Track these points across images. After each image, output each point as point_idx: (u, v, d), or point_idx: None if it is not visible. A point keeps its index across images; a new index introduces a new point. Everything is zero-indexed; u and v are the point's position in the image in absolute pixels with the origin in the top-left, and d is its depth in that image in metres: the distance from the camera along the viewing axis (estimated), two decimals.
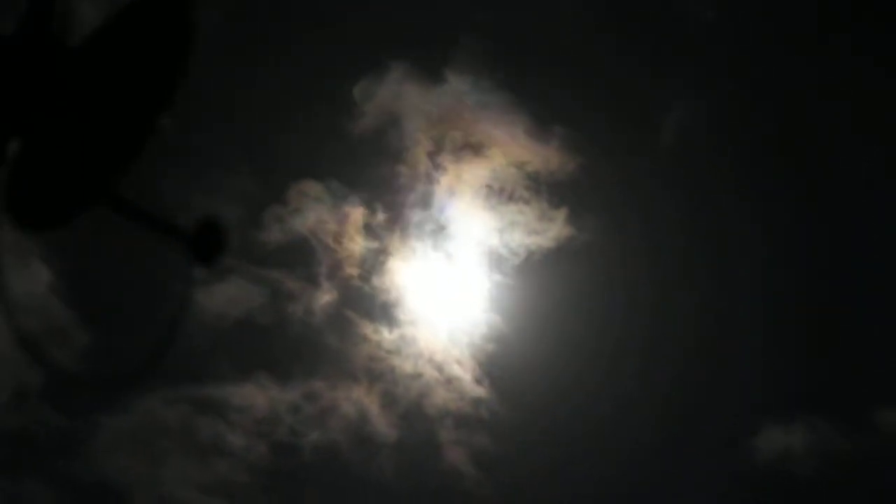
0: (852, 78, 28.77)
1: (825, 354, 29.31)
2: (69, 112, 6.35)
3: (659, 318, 29.76)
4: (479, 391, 28.87)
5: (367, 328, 29.09)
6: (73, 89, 6.36)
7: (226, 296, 27.28)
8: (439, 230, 29.85)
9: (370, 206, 29.61)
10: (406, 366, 28.94)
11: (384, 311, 29.35)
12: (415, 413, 28.89)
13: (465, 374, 29.00)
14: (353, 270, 29.29)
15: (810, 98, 29.61)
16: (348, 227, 29.61)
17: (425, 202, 29.73)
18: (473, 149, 30.16)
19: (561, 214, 29.72)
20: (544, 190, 29.83)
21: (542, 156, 29.88)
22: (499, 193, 30.03)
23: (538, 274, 29.97)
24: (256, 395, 27.88)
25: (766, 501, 28.34)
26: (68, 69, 6.40)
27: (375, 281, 29.22)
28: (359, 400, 28.52)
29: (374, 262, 29.47)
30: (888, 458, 27.65)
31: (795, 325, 29.52)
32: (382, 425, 28.40)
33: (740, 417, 28.85)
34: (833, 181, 29.91)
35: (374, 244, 29.55)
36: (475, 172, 30.10)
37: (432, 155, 29.90)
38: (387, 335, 29.04)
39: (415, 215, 29.89)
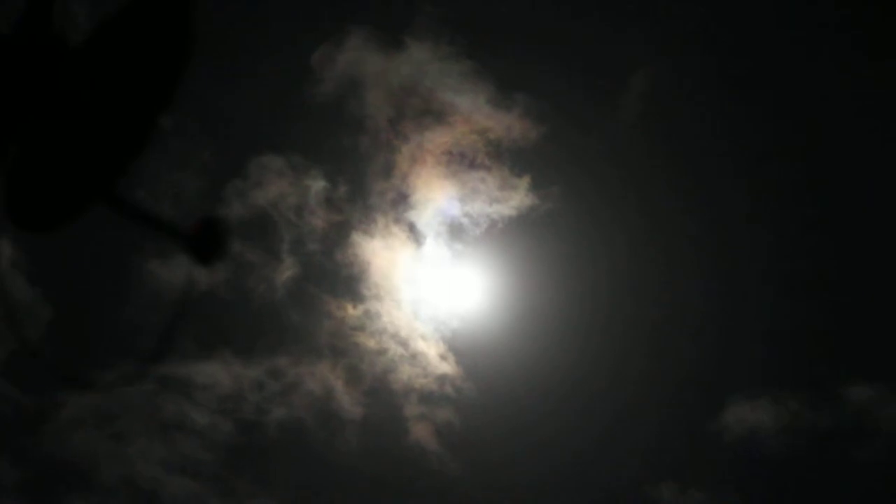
0: (820, 39, 28.90)
1: (793, 330, 29.51)
2: (69, 112, 6.38)
3: (624, 289, 29.81)
4: (445, 367, 28.94)
5: (331, 304, 29.09)
6: (73, 89, 6.39)
7: (185, 269, 27.10)
8: (401, 199, 29.79)
9: (332, 179, 29.52)
10: (370, 342, 28.98)
11: (348, 287, 29.33)
12: (380, 389, 28.95)
13: (429, 349, 29.05)
14: (315, 245, 29.23)
15: (777, 65, 29.71)
16: (310, 200, 29.52)
17: (387, 171, 29.65)
18: (435, 117, 30.06)
19: (524, 183, 29.68)
20: (507, 158, 29.79)
21: (505, 124, 29.83)
22: (460, 161, 29.97)
23: (501, 243, 29.94)
24: (220, 373, 27.87)
25: (734, 476, 28.50)
26: (68, 69, 6.42)
27: (338, 255, 29.16)
28: (323, 376, 28.53)
29: (337, 236, 29.40)
30: (857, 433, 27.91)
31: (763, 300, 29.67)
32: (347, 402, 28.45)
33: (708, 392, 29.01)
34: (801, 151, 30.05)
35: (337, 217, 29.46)
36: (437, 141, 30.02)
37: (393, 123, 29.79)
38: (351, 311, 29.05)
39: (377, 185, 29.83)
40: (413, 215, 29.52)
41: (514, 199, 29.63)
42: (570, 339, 29.50)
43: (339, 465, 28.09)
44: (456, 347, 29.24)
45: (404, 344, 28.66)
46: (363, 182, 29.67)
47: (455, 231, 29.50)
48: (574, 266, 29.76)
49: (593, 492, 28.75)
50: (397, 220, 29.44)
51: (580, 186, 30.13)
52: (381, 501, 28.75)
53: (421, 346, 28.95)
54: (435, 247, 29.72)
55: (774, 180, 30.00)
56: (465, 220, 29.61)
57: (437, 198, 29.83)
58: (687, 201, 30.07)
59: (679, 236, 30.07)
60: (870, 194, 29.17)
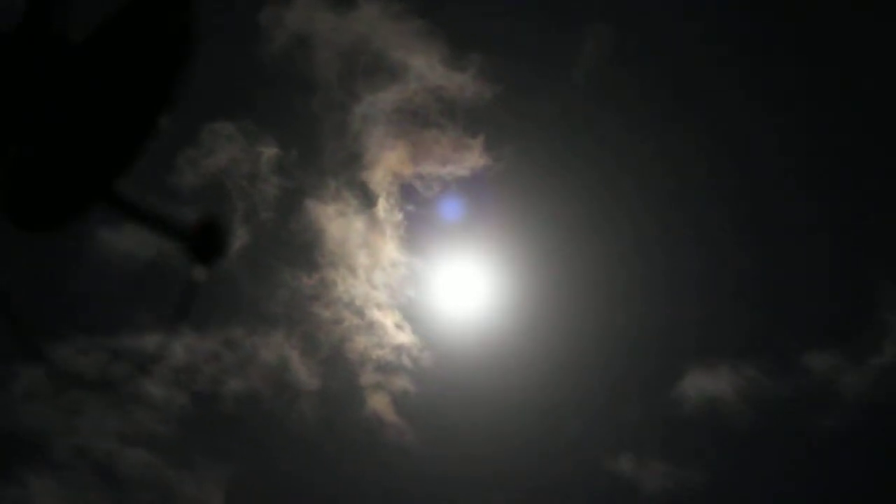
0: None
1: (752, 297, 29.84)
2: (69, 111, 6.48)
3: (579, 255, 29.96)
4: (402, 336, 29.07)
5: (286, 273, 29.15)
6: (74, 89, 6.49)
7: (136, 238, 27.08)
8: (353, 161, 29.76)
9: (284, 144, 29.49)
10: (326, 312, 29.05)
11: (302, 255, 29.36)
12: (336, 360, 29.07)
13: (385, 318, 29.16)
14: (268, 213, 29.23)
15: (730, 28, 29.92)
16: (262, 167, 29.50)
17: (339, 134, 29.62)
18: (388, 76, 30.01)
19: (477, 143, 29.75)
20: (460, 118, 29.81)
21: (459, 83, 29.86)
22: (413, 121, 29.97)
23: (454, 205, 29.97)
24: (175, 345, 27.88)
25: (694, 446, 28.80)
26: (69, 68, 6.51)
27: (293, 223, 29.16)
28: (279, 347, 28.62)
29: (291, 204, 29.38)
30: (817, 400, 28.30)
31: (721, 267, 29.95)
32: (303, 373, 28.58)
33: (666, 362, 29.31)
34: (760, 108, 30.33)
35: (290, 184, 29.45)
36: (390, 100, 29.98)
37: (345, 83, 29.71)
38: (306, 280, 29.13)
39: (329, 148, 29.80)
40: (365, 177, 29.51)
41: (468, 159, 29.69)
42: (527, 308, 29.65)
43: (296, 436, 28.25)
44: (412, 316, 29.37)
45: (360, 313, 28.76)
46: (315, 146, 29.67)
47: (408, 192, 29.51)
48: (529, 229, 29.84)
49: (552, 463, 29.03)
50: (350, 185, 29.47)
51: (534, 146, 30.21)
52: (339, 471, 28.94)
53: (377, 315, 29.07)
54: (388, 210, 29.71)
55: (732, 140, 30.25)
56: (417, 182, 29.62)
57: (390, 159, 29.83)
58: (643, 165, 30.27)
59: (636, 200, 30.22)
60: (830, 160, 29.53)
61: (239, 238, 28.38)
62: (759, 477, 28.53)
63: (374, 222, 29.75)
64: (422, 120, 29.93)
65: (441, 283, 29.82)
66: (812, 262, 29.90)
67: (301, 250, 29.38)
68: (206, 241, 6.64)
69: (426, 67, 29.87)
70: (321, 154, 29.75)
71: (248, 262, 28.88)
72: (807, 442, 28.23)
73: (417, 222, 29.97)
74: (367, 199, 29.79)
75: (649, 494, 28.18)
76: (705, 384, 28.34)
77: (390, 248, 29.95)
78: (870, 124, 29.34)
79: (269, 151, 29.46)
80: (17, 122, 6.54)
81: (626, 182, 30.26)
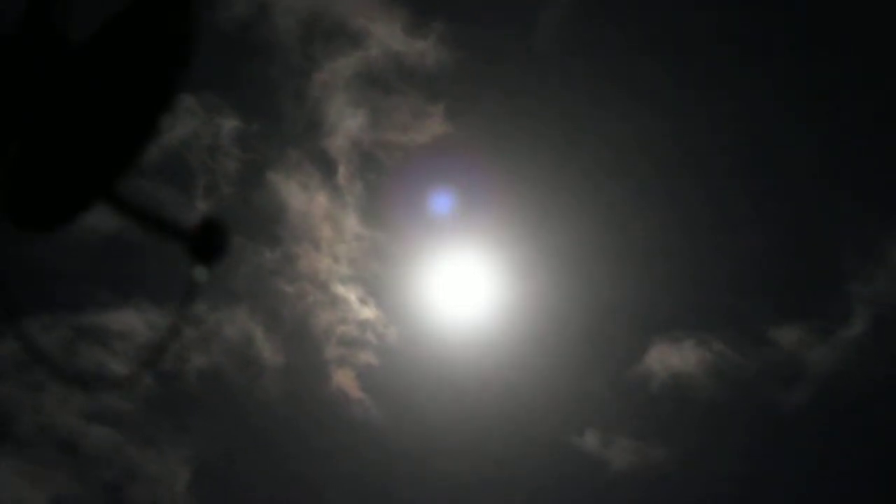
0: None
1: (718, 271, 30.04)
2: (69, 111, 6.57)
3: (542, 227, 30.01)
4: (366, 312, 29.17)
5: (248, 247, 29.14)
6: (74, 89, 6.58)
7: (95, 212, 26.70)
8: (314, 129, 29.66)
9: (244, 116, 29.42)
10: (289, 287, 29.07)
11: (264, 229, 29.35)
12: (300, 335, 29.12)
13: (349, 293, 29.24)
14: (230, 187, 29.20)
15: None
16: (223, 139, 29.44)
17: (299, 100, 29.52)
18: (348, 42, 29.92)
19: (438, 110, 29.73)
20: (422, 85, 29.76)
21: (420, 50, 29.83)
22: (373, 88, 29.88)
23: (415, 173, 29.97)
24: (137, 321, 27.88)
25: (659, 422, 29.03)
26: (69, 68, 6.60)
27: (255, 197, 29.14)
28: (242, 322, 28.66)
29: (252, 176, 29.36)
30: (784, 376, 28.61)
31: (687, 240, 30.11)
32: (267, 349, 28.65)
33: (634, 336, 29.46)
34: (717, 89, 30.49)
35: (251, 156, 29.41)
36: (350, 67, 29.90)
37: (305, 48, 29.61)
38: (268, 255, 29.13)
39: (289, 115, 29.70)
40: (326, 146, 29.45)
41: (429, 127, 29.69)
42: (492, 283, 29.71)
43: (261, 413, 28.35)
44: (376, 290, 29.44)
45: (324, 288, 28.85)
46: (275, 115, 29.60)
47: (369, 161, 29.49)
48: (492, 200, 29.81)
49: (517, 439, 29.20)
50: (311, 155, 29.45)
51: (496, 114, 30.20)
52: (304, 448, 29.07)
53: (341, 290, 29.14)
54: (349, 180, 29.68)
55: (696, 112, 30.38)
56: (378, 150, 29.60)
57: (350, 128, 29.77)
58: (609, 133, 30.32)
59: (602, 170, 30.28)
60: (795, 140, 29.76)
61: (200, 212, 28.31)
62: (727, 452, 28.83)
63: (336, 194, 29.74)
64: (382, 87, 29.85)
65: (405, 256, 29.85)
66: (778, 236, 30.11)
67: (263, 224, 29.37)
68: (207, 242, 6.74)
69: (387, 34, 29.81)
70: (282, 124, 29.74)
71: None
72: (774, 416, 28.53)
73: (379, 193, 29.97)
74: (328, 170, 29.76)
75: (617, 470, 28.40)
76: (671, 359, 28.54)
77: (353, 222, 30.00)
78: (840, 97, 29.58)
79: (230, 123, 29.39)
80: (17, 122, 6.62)
81: (591, 151, 30.32)
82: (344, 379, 28.95)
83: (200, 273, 6.89)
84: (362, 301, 29.17)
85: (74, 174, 6.62)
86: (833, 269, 29.50)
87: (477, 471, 28.70)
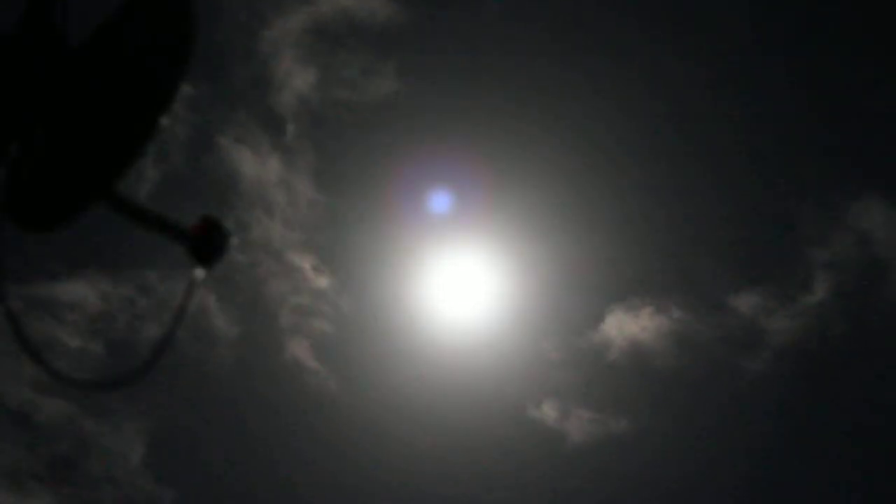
0: None
1: (677, 238, 30.21)
2: (69, 112, 6.71)
3: (497, 187, 29.91)
4: (321, 280, 29.21)
5: (198, 214, 28.93)
6: (74, 89, 6.72)
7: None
8: (263, 89, 29.49)
9: (191, 77, 29.18)
10: (242, 255, 29.05)
11: (216, 196, 29.26)
12: (254, 304, 29.16)
13: (303, 261, 29.26)
14: (180, 154, 29.08)
15: None
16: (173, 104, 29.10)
17: (247, 59, 29.34)
18: None
19: (390, 67, 29.63)
20: (372, 41, 29.61)
21: (370, 6, 29.66)
22: (323, 45, 29.69)
23: (367, 134, 29.89)
24: (88, 292, 27.86)
25: (619, 391, 29.21)
26: (69, 68, 6.74)
27: (204, 161, 29.04)
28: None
29: (200, 140, 29.20)
30: (744, 341, 28.87)
31: (645, 206, 30.19)
32: (221, 319, 28.70)
33: (590, 304, 29.56)
34: (675, 54, 30.65)
35: (201, 120, 29.27)
36: (298, 21, 29.69)
37: (253, 6, 29.39)
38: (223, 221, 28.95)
39: (238, 76, 29.52)
40: (276, 107, 29.29)
41: (380, 84, 29.59)
42: (446, 250, 29.63)
43: (215, 384, 28.45)
44: (331, 258, 29.45)
45: (277, 256, 28.92)
46: (224, 76, 29.44)
47: (321, 122, 29.33)
48: (444, 158, 29.71)
49: (475, 410, 29.34)
50: (262, 119, 29.33)
51: (448, 71, 30.09)
52: (259, 419, 29.21)
53: (294, 258, 29.14)
54: (300, 142, 29.52)
55: (653, 76, 30.47)
56: (328, 109, 29.43)
57: (300, 86, 29.59)
58: (564, 90, 30.26)
59: (557, 128, 30.20)
60: (753, 105, 30.02)
61: (147, 179, 28.23)
62: (687, 421, 29.14)
63: (288, 158, 29.68)
64: (332, 44, 29.68)
65: (359, 222, 29.82)
66: (737, 201, 30.33)
67: (214, 191, 29.30)
68: (206, 242, 6.91)
69: None
70: (230, 85, 29.60)
71: (157, 204, 28.68)
72: (734, 384, 28.84)
73: (332, 155, 29.90)
74: (279, 132, 29.68)
75: (576, 442, 28.63)
76: (629, 327, 28.69)
77: (306, 187, 29.94)
78: (799, 59, 29.88)
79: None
80: (17, 122, 6.76)
81: (547, 109, 30.28)
82: (298, 349, 29.08)
83: (199, 273, 7.08)
84: (316, 269, 29.23)
85: (74, 174, 6.76)
86: (793, 234, 29.76)
87: (434, 443, 28.88)
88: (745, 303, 29.00)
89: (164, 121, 6.72)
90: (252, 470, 29.22)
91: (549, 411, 28.89)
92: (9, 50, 6.73)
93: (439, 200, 29.39)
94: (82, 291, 27.61)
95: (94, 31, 7.14)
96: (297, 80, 29.24)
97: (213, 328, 28.37)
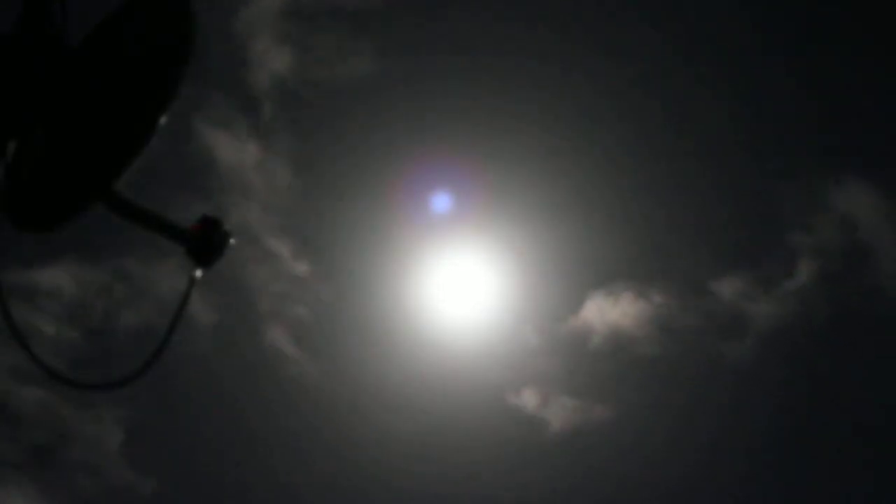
0: None
1: (658, 222, 30.24)
2: (68, 112, 6.76)
3: (478, 171, 29.79)
4: (300, 266, 29.22)
5: (177, 199, 29.02)
6: (74, 88, 6.77)
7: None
8: (239, 71, 29.38)
9: None
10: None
11: (193, 180, 29.20)
12: (232, 291, 29.13)
13: (282, 248, 29.24)
14: (157, 136, 28.81)
15: None
16: None
17: (224, 40, 29.21)
18: None
19: (367, 47, 29.52)
20: (349, 21, 29.50)
21: None
22: (301, 25, 29.59)
23: (343, 116, 29.82)
24: (64, 279, 27.82)
25: (599, 377, 29.25)
26: (69, 68, 6.79)
27: (182, 146, 28.99)
28: (172, 278, 28.64)
29: (178, 124, 29.06)
30: (727, 327, 28.96)
31: (623, 189, 30.19)
32: (198, 304, 28.67)
33: (570, 290, 29.55)
34: (657, 42, 30.71)
35: (178, 103, 29.00)
36: (276, 3, 29.58)
37: None
38: (198, 208, 28.93)
39: (215, 56, 29.40)
40: (253, 87, 29.21)
41: (358, 64, 29.51)
42: (429, 235, 29.61)
43: (193, 371, 28.44)
44: (310, 244, 29.44)
45: (255, 241, 28.88)
46: (201, 57, 29.27)
47: (299, 104, 29.23)
48: (423, 141, 29.62)
49: (455, 398, 29.36)
50: (239, 101, 29.26)
51: (429, 53, 30.00)
52: (237, 406, 29.27)
53: (273, 243, 29.12)
54: (280, 125, 29.44)
55: (634, 59, 30.50)
56: (307, 91, 29.34)
57: (278, 67, 29.49)
58: (546, 75, 30.23)
59: (540, 111, 30.13)
60: (734, 88, 30.12)
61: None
62: (669, 407, 29.28)
63: (266, 142, 29.64)
64: (309, 23, 29.53)
65: (339, 207, 29.78)
66: (718, 185, 30.40)
67: (191, 175, 29.23)
68: (206, 243, 6.98)
69: None
70: (208, 67, 29.49)
71: (135, 189, 28.61)
72: (717, 370, 28.95)
73: (311, 139, 29.85)
74: (257, 115, 29.61)
75: (557, 430, 28.72)
76: (610, 313, 28.70)
77: (284, 171, 29.91)
78: (782, 39, 29.99)
79: None
80: (16, 122, 6.81)
81: (529, 92, 30.26)
82: (277, 336, 29.10)
83: (198, 273, 7.14)
84: (295, 255, 29.24)
85: (73, 174, 6.81)
86: (775, 218, 29.86)
87: (413, 430, 28.94)
88: (728, 288, 29.09)
89: (164, 121, 6.76)
90: (232, 457, 29.30)
91: (529, 399, 28.91)
92: (7, 49, 6.77)
93: (420, 185, 29.36)
94: (59, 278, 27.57)
95: (93, 31, 7.19)
96: (273, 61, 29.17)
97: (190, 315, 28.24)
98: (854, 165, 29.82)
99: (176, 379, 28.16)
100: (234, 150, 29.54)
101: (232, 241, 7.12)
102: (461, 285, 29.29)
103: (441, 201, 29.46)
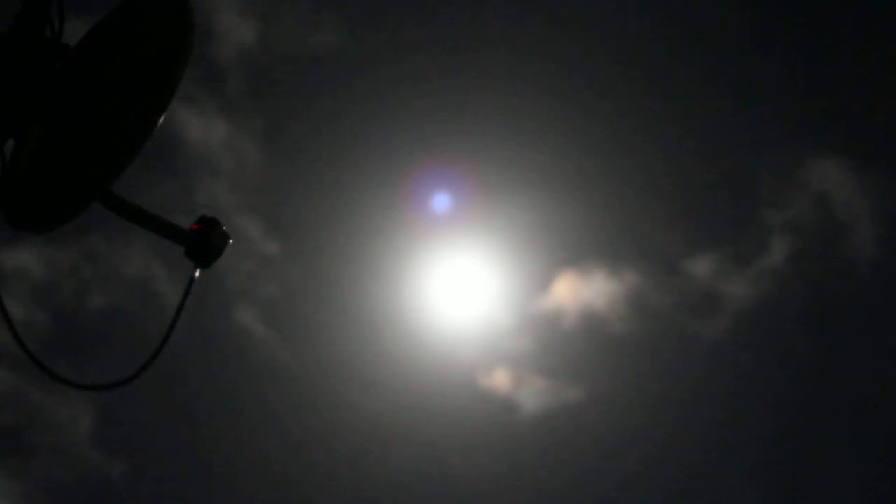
0: None
1: (630, 200, 30.32)
2: (65, 111, 6.81)
3: (447, 148, 29.78)
4: (269, 246, 29.19)
5: (144, 177, 28.86)
6: (71, 88, 6.82)
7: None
8: (205, 43, 29.28)
9: None
10: (189, 219, 28.84)
11: (161, 158, 29.12)
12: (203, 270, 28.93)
13: (251, 226, 29.20)
14: None
15: None
16: None
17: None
18: None
19: (334, 19, 29.41)
20: None
21: None
22: None
23: (312, 91, 29.72)
24: (31, 260, 27.74)
25: (574, 357, 29.34)
26: (66, 68, 6.84)
27: None
28: (141, 259, 28.60)
29: None
30: (700, 306, 29.12)
31: (596, 167, 30.22)
32: (168, 285, 28.64)
33: (541, 268, 29.50)
34: (635, 15, 30.77)
35: None
36: None
37: None
38: (167, 186, 29.01)
39: None
40: (218, 60, 29.09)
41: (327, 36, 29.40)
42: (393, 202, 29.47)
43: (163, 354, 28.28)
44: (280, 223, 29.40)
45: (224, 221, 28.37)
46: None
47: (263, 78, 29.14)
48: (393, 116, 29.52)
49: (425, 378, 29.37)
50: (205, 75, 29.15)
51: (398, 21, 29.89)
52: (207, 386, 29.30)
53: (242, 222, 29.02)
54: (248, 100, 29.33)
55: (607, 33, 30.52)
56: (275, 65, 29.25)
57: (243, 38, 29.38)
58: (519, 50, 30.19)
59: (509, 85, 30.07)
60: (708, 64, 30.23)
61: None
62: (642, 387, 29.43)
63: (234, 118, 29.56)
64: None
65: (308, 182, 29.70)
66: (691, 161, 30.47)
67: (157, 153, 29.02)
68: (205, 243, 7.05)
69: None
70: None
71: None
72: (690, 350, 29.08)
73: (278, 114, 29.74)
74: (224, 91, 29.51)
75: (530, 412, 28.79)
76: (582, 292, 28.70)
77: (252, 148, 29.86)
78: (756, 11, 30.10)
79: None
80: (13, 122, 6.86)
81: (498, 65, 30.17)
82: (247, 315, 29.12)
83: (197, 273, 7.22)
84: (266, 234, 29.22)
85: (71, 174, 6.86)
86: (748, 196, 29.96)
87: (384, 411, 28.98)
88: (701, 266, 29.17)
89: (162, 120, 6.81)
90: (202, 439, 29.34)
91: (501, 380, 28.91)
92: (3, 48, 6.80)
93: (387, 161, 29.28)
94: (25, 259, 27.49)
95: (92, 30, 7.23)
96: (239, 34, 29.06)
97: (159, 295, 28.33)
98: (828, 141, 30.01)
99: (143, 359, 27.96)
100: (200, 126, 29.44)
101: (231, 241, 7.16)
102: (432, 265, 29.21)
103: (416, 178, 29.37)
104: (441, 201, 29.33)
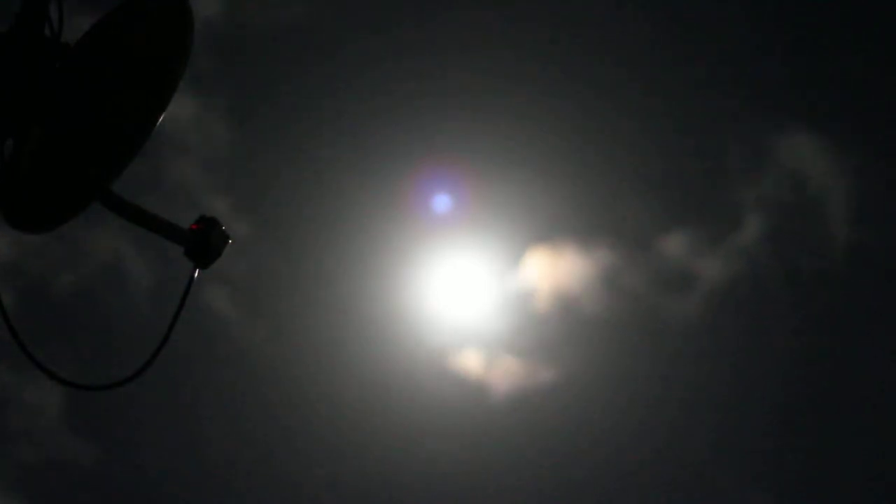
0: None
1: (602, 177, 30.26)
2: (65, 111, 6.87)
3: (418, 124, 29.63)
4: (240, 225, 29.12)
5: None
6: (71, 88, 6.88)
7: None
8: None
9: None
10: (158, 200, 28.83)
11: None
12: (170, 252, 28.91)
13: (220, 205, 29.08)
14: None
15: None
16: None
17: None
18: None
19: None
20: None
21: None
22: None
23: (280, 65, 29.59)
24: None
25: (545, 334, 29.28)
26: (65, 68, 6.90)
27: None
28: (110, 239, 28.51)
29: None
30: (673, 283, 29.20)
31: (567, 144, 30.13)
32: (137, 266, 28.58)
33: (511, 245, 29.33)
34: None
35: None
36: None
37: None
38: (135, 165, 28.77)
39: None
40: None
41: (294, 7, 29.21)
42: (368, 192, 29.49)
43: (132, 334, 28.35)
44: (249, 203, 29.34)
45: (194, 200, 28.71)
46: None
47: (231, 48, 29.02)
48: (356, 89, 29.35)
49: (397, 358, 29.31)
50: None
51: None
52: (177, 369, 29.28)
53: (211, 201, 28.94)
54: (214, 73, 29.18)
55: (580, 13, 30.50)
56: (243, 37, 29.11)
57: (209, 13, 29.25)
58: (489, 27, 30.12)
59: (484, 63, 29.96)
60: (676, 38, 30.29)
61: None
62: (615, 367, 29.51)
63: (200, 95, 29.40)
64: None
65: (278, 160, 29.57)
66: (662, 137, 30.48)
67: None
68: (205, 244, 7.14)
69: None
70: None
71: None
72: (663, 328, 29.13)
73: (247, 89, 29.57)
74: (190, 65, 29.14)
75: (501, 393, 28.82)
76: (553, 269, 28.60)
77: (220, 125, 29.76)
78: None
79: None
80: (12, 122, 6.92)
81: (472, 47, 30.02)
82: (217, 295, 29.08)
83: (196, 274, 7.31)
84: (235, 214, 29.09)
85: (70, 174, 6.93)
86: (720, 172, 30.03)
87: (351, 393, 28.97)
88: (674, 244, 29.15)
89: (162, 120, 6.88)
90: (174, 423, 29.36)
91: (471, 361, 28.86)
92: (3, 48, 6.85)
93: (358, 136, 29.10)
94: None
95: (92, 30, 7.28)
96: (203, 6, 28.89)
97: (129, 276, 28.28)
98: (800, 117, 30.06)
99: (113, 341, 28.12)
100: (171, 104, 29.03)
101: (230, 241, 7.26)
102: (403, 246, 29.07)
103: (385, 150, 29.19)
104: (417, 176, 29.20)
